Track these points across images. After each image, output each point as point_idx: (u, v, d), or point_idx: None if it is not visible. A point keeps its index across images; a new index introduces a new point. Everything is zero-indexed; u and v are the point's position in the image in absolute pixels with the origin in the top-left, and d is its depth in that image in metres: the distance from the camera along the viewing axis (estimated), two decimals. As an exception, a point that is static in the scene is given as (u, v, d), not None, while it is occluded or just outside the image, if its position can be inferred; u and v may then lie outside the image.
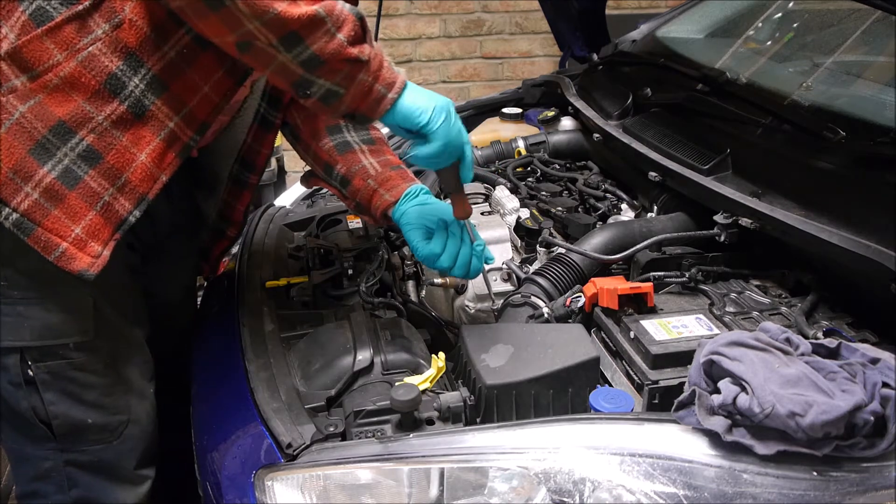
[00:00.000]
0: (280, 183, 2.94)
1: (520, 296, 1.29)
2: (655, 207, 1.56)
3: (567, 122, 2.05)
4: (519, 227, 1.53)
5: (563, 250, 1.38)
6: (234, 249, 1.63)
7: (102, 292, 1.10)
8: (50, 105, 0.98)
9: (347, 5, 0.98)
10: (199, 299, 1.59)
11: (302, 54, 0.95)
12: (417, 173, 1.87)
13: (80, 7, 0.97)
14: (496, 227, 1.53)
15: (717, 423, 0.89)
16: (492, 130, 2.07)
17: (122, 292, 1.17)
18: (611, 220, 1.56)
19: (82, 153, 1.00)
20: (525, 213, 1.58)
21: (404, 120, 1.05)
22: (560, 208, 1.57)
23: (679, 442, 0.91)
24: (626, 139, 1.63)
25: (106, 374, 1.14)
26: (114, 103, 1.00)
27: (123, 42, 0.99)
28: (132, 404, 1.18)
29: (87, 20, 0.98)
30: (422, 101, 1.05)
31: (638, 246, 1.33)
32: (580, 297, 1.24)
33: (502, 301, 1.34)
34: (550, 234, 1.47)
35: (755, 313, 1.19)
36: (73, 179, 1.00)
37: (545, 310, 1.25)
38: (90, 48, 0.98)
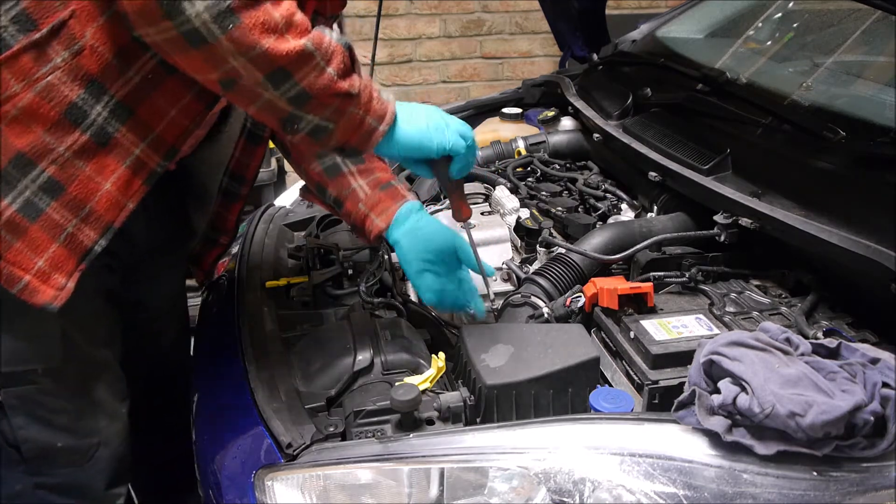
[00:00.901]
0: (280, 183, 2.94)
1: (520, 296, 1.29)
2: (655, 207, 1.56)
3: (567, 122, 2.05)
4: (519, 227, 1.53)
5: (563, 250, 1.38)
6: (234, 250, 1.63)
7: (71, 319, 1.07)
8: (9, 136, 0.94)
9: (335, 34, 0.95)
10: (197, 300, 1.59)
11: (290, 91, 0.92)
12: (411, 179, 1.88)
13: (38, 35, 0.93)
14: (496, 227, 1.53)
15: (717, 423, 0.89)
16: (492, 130, 2.07)
17: (93, 317, 1.14)
18: (611, 220, 1.56)
19: (44, 185, 0.96)
20: (525, 213, 1.58)
21: (409, 151, 1.05)
22: (560, 208, 1.57)
23: (679, 442, 0.91)
24: (626, 139, 1.63)
25: (75, 398, 1.13)
26: (75, 133, 0.96)
27: (84, 69, 0.95)
28: (102, 427, 1.17)
29: (46, 48, 0.93)
30: (419, 130, 1.05)
31: (638, 246, 1.33)
32: (580, 297, 1.24)
33: (502, 301, 1.34)
34: (550, 234, 1.47)
35: (755, 313, 1.19)
36: (35, 212, 0.97)
37: (545, 310, 1.25)
38: (49, 77, 0.93)
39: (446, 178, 1.13)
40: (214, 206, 1.35)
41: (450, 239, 1.25)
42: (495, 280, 1.43)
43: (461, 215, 1.20)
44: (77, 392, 1.13)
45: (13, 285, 0.97)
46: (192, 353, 1.45)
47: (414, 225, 1.26)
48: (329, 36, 0.94)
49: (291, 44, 0.89)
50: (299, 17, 0.91)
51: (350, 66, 0.97)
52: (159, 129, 1.03)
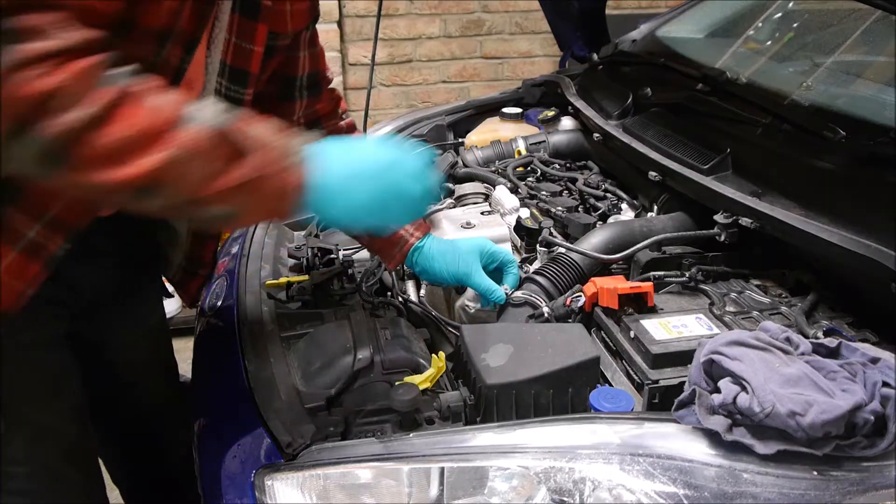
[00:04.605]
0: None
1: (520, 295, 1.29)
2: (655, 207, 1.56)
3: (567, 122, 2.05)
4: (519, 227, 1.53)
5: (563, 250, 1.38)
6: (234, 250, 1.63)
7: (11, 385, 1.03)
8: None
9: (208, 118, 0.79)
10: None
11: (169, 200, 0.79)
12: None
13: None
14: (496, 226, 1.53)
15: (718, 423, 0.89)
16: (492, 130, 2.07)
17: (30, 376, 1.08)
18: (611, 220, 1.56)
19: None
20: (525, 213, 1.58)
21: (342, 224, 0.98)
22: (560, 208, 1.57)
23: (679, 441, 0.91)
24: (626, 139, 1.63)
25: (24, 466, 1.09)
26: None
27: None
28: (55, 492, 1.14)
29: None
30: (353, 207, 0.91)
31: (638, 245, 1.33)
32: (580, 296, 1.24)
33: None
34: (550, 234, 1.47)
35: (755, 313, 1.19)
36: None
37: (545, 309, 1.25)
38: None
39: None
40: (187, 245, 1.27)
41: (453, 274, 1.28)
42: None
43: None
44: (24, 461, 1.09)
45: None
46: (190, 359, 1.44)
47: (422, 269, 1.31)
48: (196, 130, 0.77)
49: (142, 165, 0.74)
50: (162, 118, 0.75)
51: (236, 150, 0.81)
52: (56, 210, 0.93)
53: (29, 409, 1.08)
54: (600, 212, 1.59)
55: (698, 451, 0.89)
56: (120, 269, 0.99)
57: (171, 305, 3.04)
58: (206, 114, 0.79)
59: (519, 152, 1.94)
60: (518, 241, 1.54)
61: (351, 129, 1.34)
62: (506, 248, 1.43)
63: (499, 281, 1.31)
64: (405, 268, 1.49)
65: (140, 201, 0.79)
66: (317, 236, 1.63)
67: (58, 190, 0.88)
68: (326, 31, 3.33)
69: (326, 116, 1.31)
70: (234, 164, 0.80)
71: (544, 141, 1.94)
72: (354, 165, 0.90)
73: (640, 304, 1.19)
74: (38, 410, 1.11)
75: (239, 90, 1.08)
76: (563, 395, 1.06)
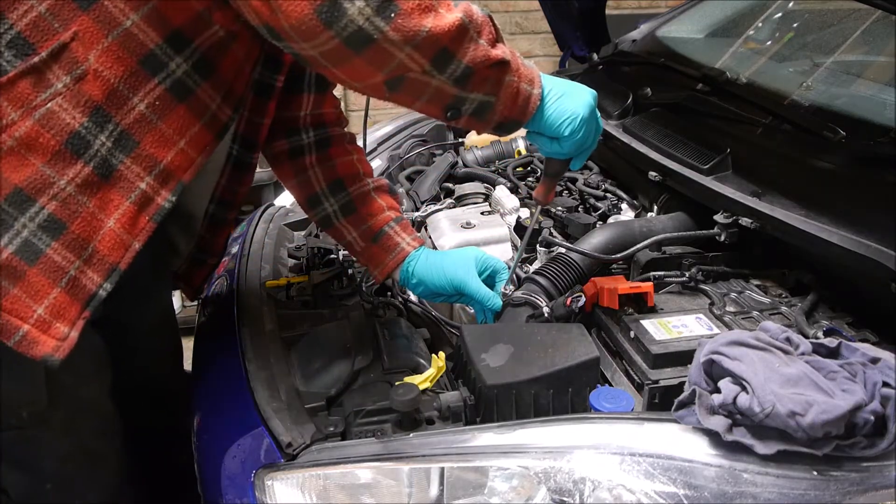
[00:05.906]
0: (280, 183, 2.93)
1: (520, 295, 1.29)
2: (655, 207, 1.57)
3: (567, 122, 2.05)
4: (519, 227, 1.53)
5: (563, 250, 1.38)
6: (234, 249, 1.63)
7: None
8: (5, 170, 0.86)
9: (474, 5, 0.92)
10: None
11: (456, 71, 0.90)
12: (411, 179, 1.87)
13: (36, 59, 0.86)
14: (496, 226, 1.53)
15: (718, 423, 0.89)
16: (492, 130, 2.07)
17: (78, 349, 1.05)
18: (611, 220, 1.56)
19: (43, 223, 0.88)
20: (525, 213, 1.58)
21: (548, 129, 1.04)
22: (560, 208, 1.57)
23: (679, 441, 0.91)
24: (626, 139, 1.63)
25: (62, 442, 1.08)
26: (77, 165, 0.89)
27: (87, 95, 0.89)
28: (89, 469, 1.14)
29: (45, 73, 0.87)
30: (569, 106, 1.03)
31: (638, 245, 1.33)
32: (581, 296, 1.24)
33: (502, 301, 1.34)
34: (550, 234, 1.47)
35: (755, 313, 1.19)
36: (34, 254, 0.88)
37: (545, 309, 1.25)
38: (49, 104, 0.87)
39: (557, 158, 1.15)
40: (201, 230, 1.30)
41: (450, 280, 1.28)
42: (508, 288, 1.42)
43: (542, 197, 1.24)
44: (63, 435, 1.08)
45: (10, 336, 0.88)
46: (191, 359, 1.45)
47: (418, 281, 1.30)
48: (471, 5, 0.91)
49: (449, 18, 0.86)
50: None
51: (496, 33, 0.95)
52: (166, 161, 0.97)
53: (73, 382, 1.07)
54: (600, 212, 1.60)
55: (698, 451, 0.89)
56: (146, 248, 1.03)
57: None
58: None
59: (519, 152, 1.94)
60: (518, 241, 1.54)
61: (353, 139, 1.37)
62: (503, 250, 1.43)
63: (491, 288, 1.32)
64: (397, 285, 1.46)
65: (437, 66, 0.88)
66: (317, 236, 1.63)
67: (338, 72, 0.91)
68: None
69: (331, 124, 1.32)
70: (496, 45, 0.94)
71: (544, 141, 1.94)
72: (569, 83, 1.06)
73: (640, 304, 1.19)
74: (82, 385, 1.10)
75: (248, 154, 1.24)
76: (563, 395, 1.06)
